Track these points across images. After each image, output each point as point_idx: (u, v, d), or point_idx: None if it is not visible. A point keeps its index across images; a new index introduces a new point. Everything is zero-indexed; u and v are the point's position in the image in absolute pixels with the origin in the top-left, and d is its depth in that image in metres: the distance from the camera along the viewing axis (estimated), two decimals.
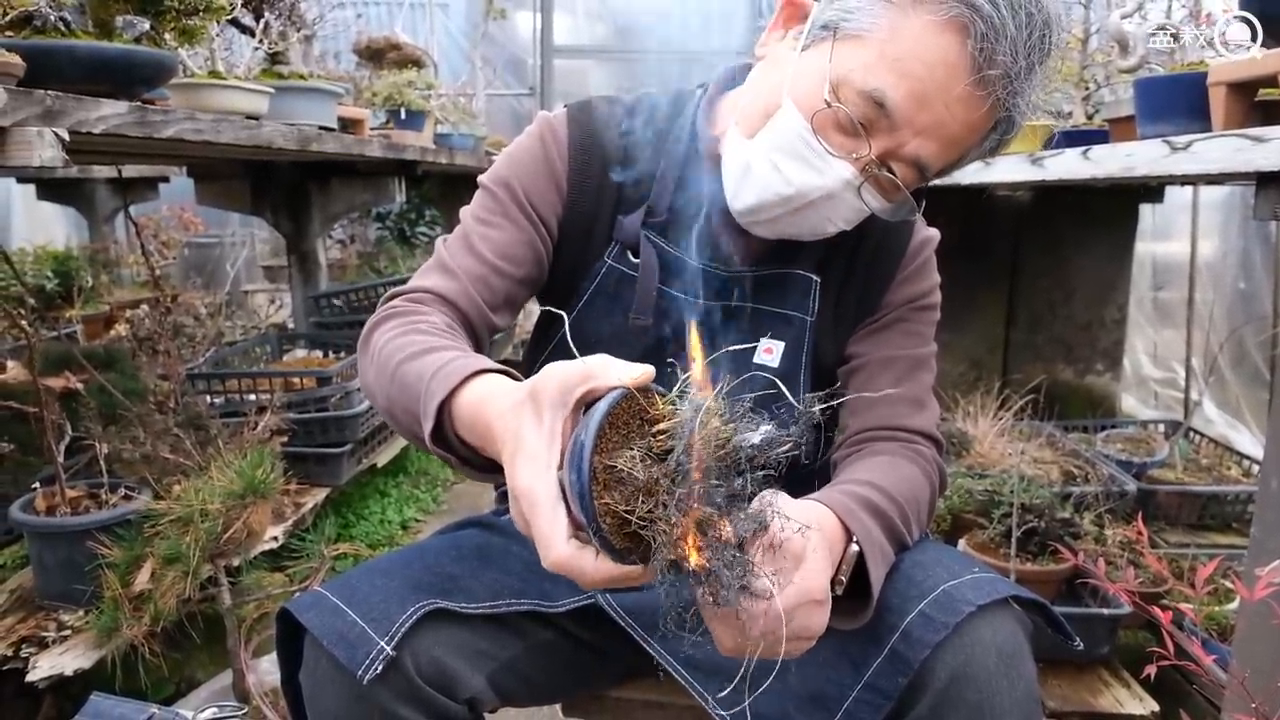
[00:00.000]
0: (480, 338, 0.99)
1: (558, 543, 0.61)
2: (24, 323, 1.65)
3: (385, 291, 1.00)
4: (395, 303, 0.94)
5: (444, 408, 0.73)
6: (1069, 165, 1.56)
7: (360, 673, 0.78)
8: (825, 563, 0.72)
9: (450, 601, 0.87)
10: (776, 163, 0.89)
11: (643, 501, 0.59)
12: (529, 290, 1.04)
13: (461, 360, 0.76)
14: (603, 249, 1.03)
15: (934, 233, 1.10)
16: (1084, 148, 1.49)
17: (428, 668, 0.83)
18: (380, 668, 0.79)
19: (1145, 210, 2.91)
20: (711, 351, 1.05)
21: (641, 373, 0.64)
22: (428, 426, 0.73)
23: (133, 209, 4.62)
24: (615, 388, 0.62)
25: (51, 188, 4.42)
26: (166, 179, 4.51)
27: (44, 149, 1.23)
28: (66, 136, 1.26)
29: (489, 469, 0.73)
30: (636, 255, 1.01)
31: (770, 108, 0.89)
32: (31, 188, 4.44)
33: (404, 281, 1.00)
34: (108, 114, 1.37)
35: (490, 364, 0.75)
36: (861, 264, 1.06)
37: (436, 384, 0.74)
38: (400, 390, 0.80)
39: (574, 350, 0.68)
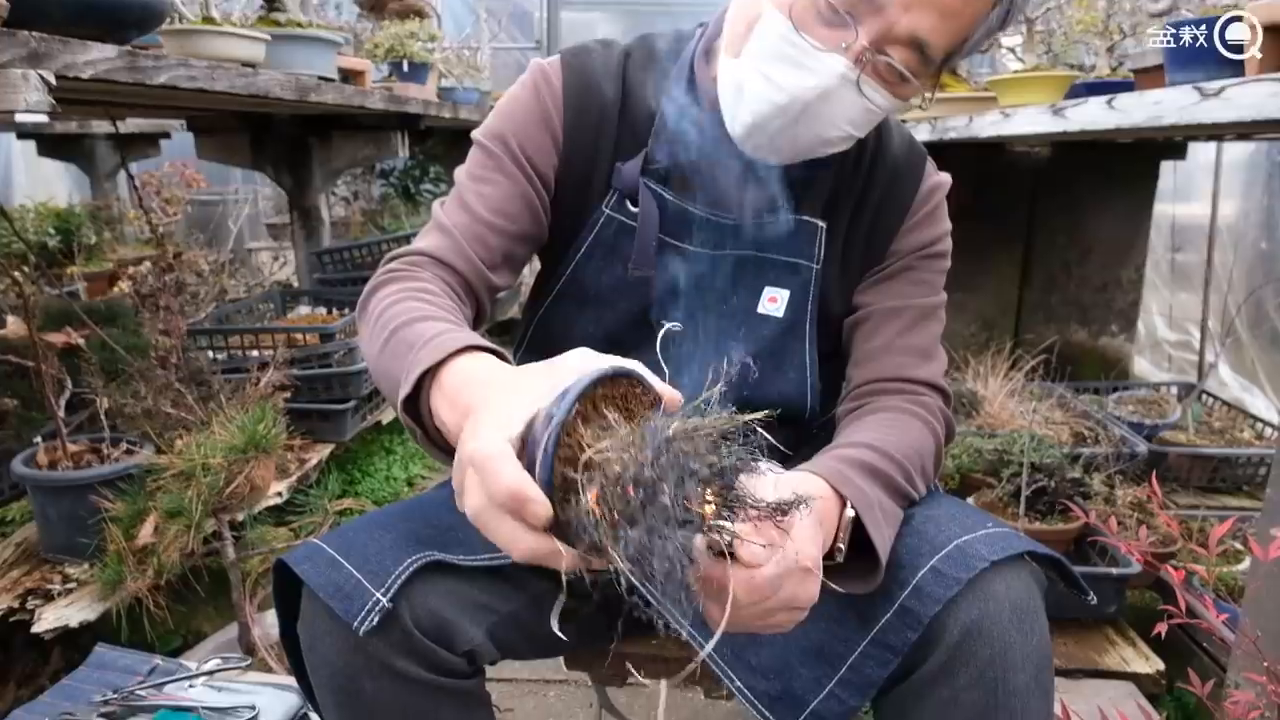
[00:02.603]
0: (480, 298, 0.97)
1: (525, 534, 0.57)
2: (17, 274, 1.63)
3: (389, 248, 0.98)
4: (393, 265, 0.92)
5: (426, 377, 0.70)
6: (1092, 115, 1.50)
7: (356, 624, 0.77)
8: (813, 530, 0.69)
9: (448, 554, 0.85)
10: (766, 73, 0.85)
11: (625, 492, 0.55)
12: (529, 247, 1.02)
13: (454, 334, 0.74)
14: (601, 198, 1.00)
15: (945, 178, 1.06)
16: (1108, 96, 1.44)
17: (425, 620, 0.81)
18: (376, 620, 0.77)
19: (1165, 171, 2.85)
20: (712, 302, 1.03)
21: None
22: (403, 392, 0.71)
23: (134, 166, 4.57)
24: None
25: (52, 144, 4.37)
26: (168, 135, 4.45)
27: (29, 92, 1.19)
28: (53, 80, 1.22)
29: (452, 452, 0.70)
30: (635, 204, 0.98)
31: (751, 19, 0.86)
32: (32, 144, 4.39)
33: (407, 240, 0.98)
34: (96, 58, 1.33)
35: (483, 342, 0.73)
36: (869, 210, 1.02)
37: (425, 352, 0.71)
38: (390, 358, 0.77)
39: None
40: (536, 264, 1.13)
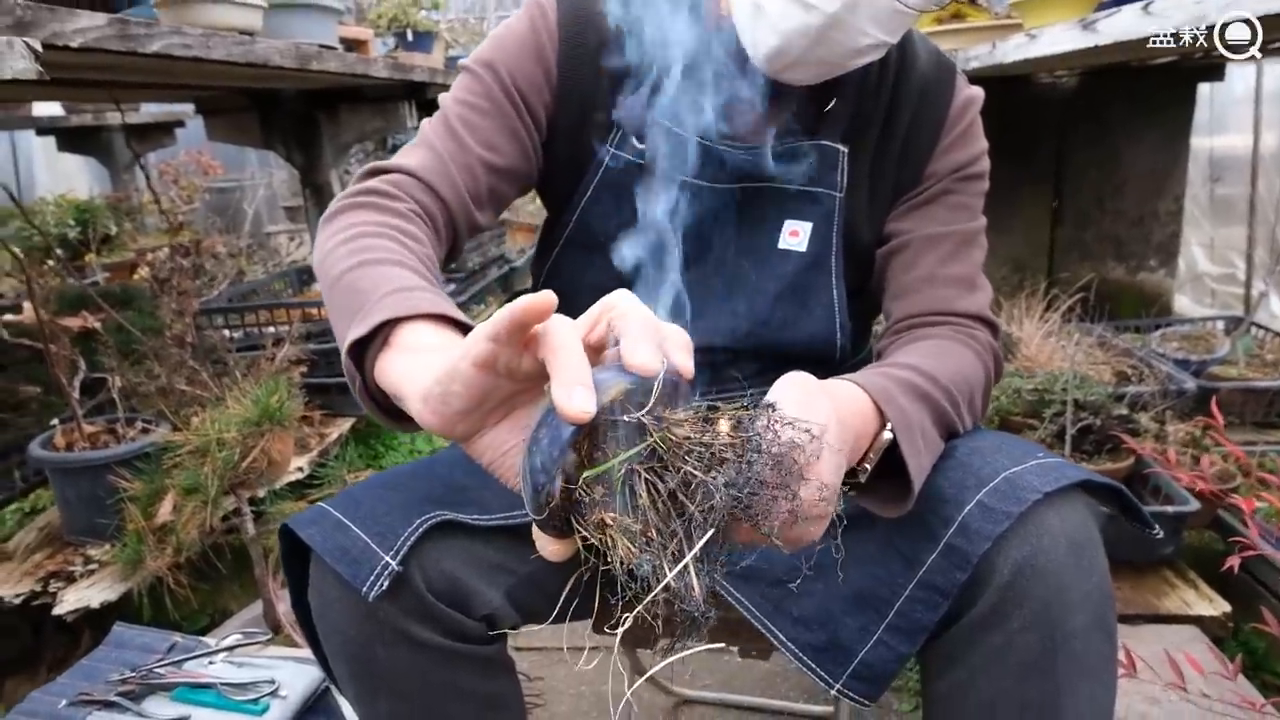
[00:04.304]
0: (459, 233, 0.91)
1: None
2: (24, 260, 1.60)
3: None
4: (375, 184, 0.85)
5: (386, 326, 0.62)
6: (1126, 25, 1.40)
7: (365, 590, 0.72)
8: (835, 468, 0.62)
9: (461, 514, 0.80)
10: None
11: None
12: (515, 186, 0.96)
13: (435, 295, 0.66)
14: (604, 137, 0.94)
15: (978, 92, 0.98)
16: (1144, 1, 1.34)
17: (439, 582, 0.77)
18: (386, 584, 0.72)
19: (1201, 101, 2.70)
20: (727, 240, 0.96)
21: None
22: (355, 333, 0.62)
23: (151, 156, 4.57)
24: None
25: (69, 138, 4.39)
26: (182, 124, 4.45)
27: (15, 60, 1.15)
28: (40, 48, 1.18)
29: (394, 415, 0.64)
30: (642, 140, 0.92)
31: None
32: (52, 140, 4.41)
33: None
34: (85, 26, 1.29)
35: (462, 317, 0.64)
36: (899, 131, 0.95)
37: (394, 300, 0.63)
38: (345, 292, 0.70)
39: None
40: (545, 214, 1.07)
